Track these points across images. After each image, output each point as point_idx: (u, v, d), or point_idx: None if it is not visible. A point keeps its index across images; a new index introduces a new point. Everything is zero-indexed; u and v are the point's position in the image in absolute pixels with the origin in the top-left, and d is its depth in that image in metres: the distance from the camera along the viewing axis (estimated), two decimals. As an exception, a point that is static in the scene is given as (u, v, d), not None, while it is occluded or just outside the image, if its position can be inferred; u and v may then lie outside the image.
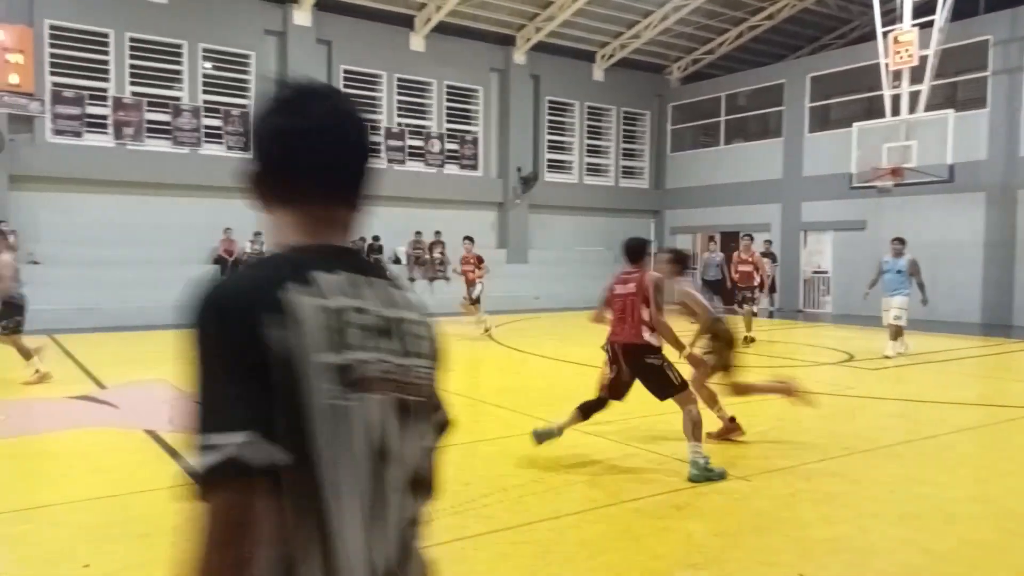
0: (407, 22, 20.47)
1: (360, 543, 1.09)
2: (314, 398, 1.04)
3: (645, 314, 5.33)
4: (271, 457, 0.99)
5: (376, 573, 1.11)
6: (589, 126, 24.50)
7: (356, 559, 1.08)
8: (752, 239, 14.71)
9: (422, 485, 1.23)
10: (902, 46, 16.31)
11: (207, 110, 18.15)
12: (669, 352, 5.54)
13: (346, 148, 1.21)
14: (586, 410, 5.59)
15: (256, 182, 1.20)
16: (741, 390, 6.15)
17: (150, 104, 17.40)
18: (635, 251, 5.58)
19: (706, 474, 5.11)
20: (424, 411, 1.24)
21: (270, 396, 1.01)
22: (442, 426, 1.35)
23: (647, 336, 5.34)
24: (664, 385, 5.39)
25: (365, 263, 1.22)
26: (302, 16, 18.88)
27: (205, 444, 0.97)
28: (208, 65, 18.42)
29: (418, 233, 19.84)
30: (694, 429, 5.23)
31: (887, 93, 16.77)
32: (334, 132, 1.19)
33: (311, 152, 1.16)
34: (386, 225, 18.14)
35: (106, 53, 16.98)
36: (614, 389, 5.52)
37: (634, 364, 5.41)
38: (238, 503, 0.97)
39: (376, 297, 1.17)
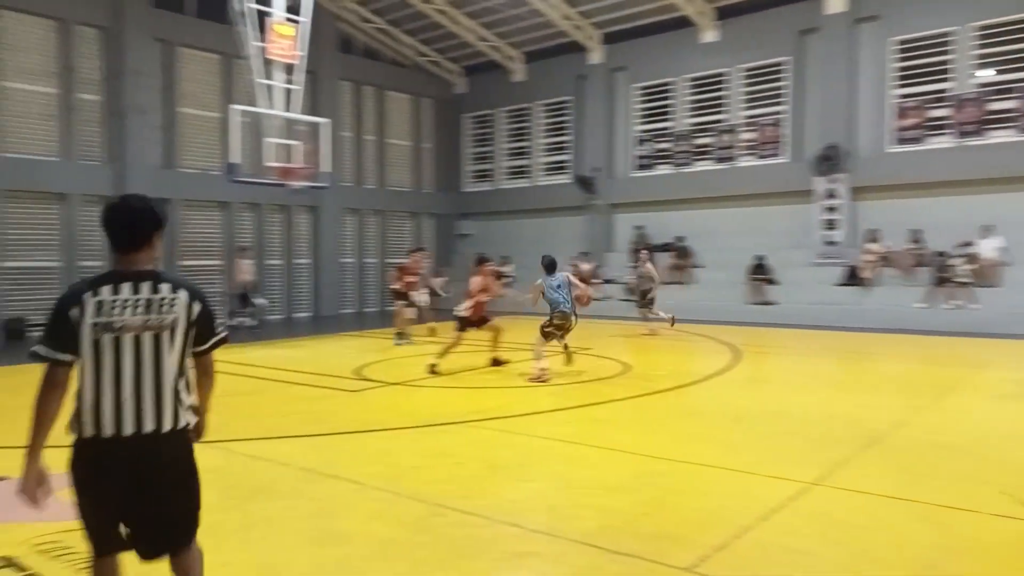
0: None
1: (108, 388, 2.54)
2: (85, 335, 2.51)
3: None
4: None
5: (118, 401, 2.54)
6: None
7: (105, 395, 2.54)
8: None
9: (173, 366, 2.61)
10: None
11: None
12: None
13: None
14: None
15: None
16: None
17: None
18: None
19: None
20: (172, 334, 2.60)
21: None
22: (204, 338, 2.73)
23: None
24: None
25: (138, 275, 2.56)
26: None
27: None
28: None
29: None
30: None
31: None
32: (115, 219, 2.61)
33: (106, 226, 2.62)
34: None
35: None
36: None
37: None
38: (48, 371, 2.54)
39: (131, 291, 2.52)
